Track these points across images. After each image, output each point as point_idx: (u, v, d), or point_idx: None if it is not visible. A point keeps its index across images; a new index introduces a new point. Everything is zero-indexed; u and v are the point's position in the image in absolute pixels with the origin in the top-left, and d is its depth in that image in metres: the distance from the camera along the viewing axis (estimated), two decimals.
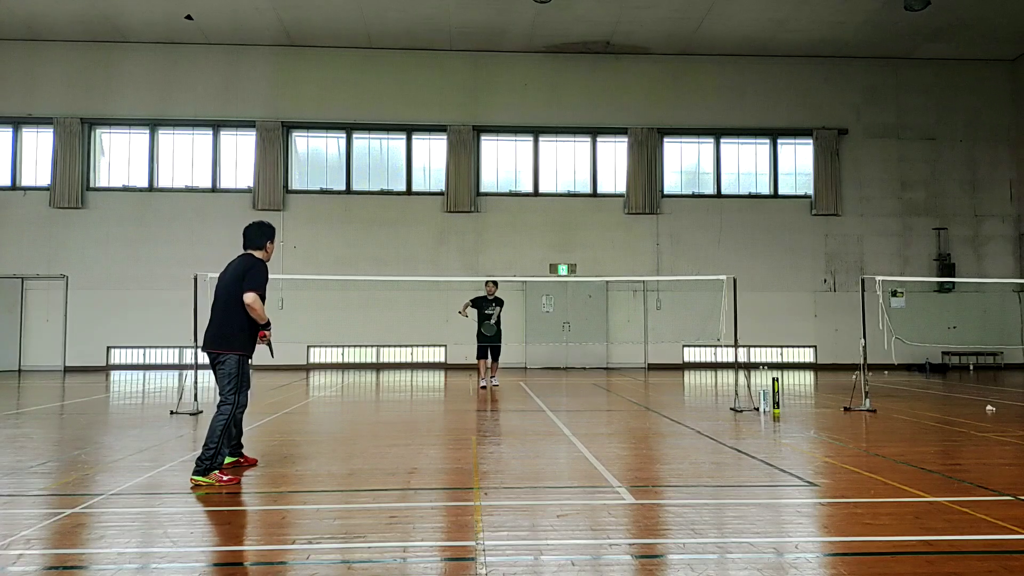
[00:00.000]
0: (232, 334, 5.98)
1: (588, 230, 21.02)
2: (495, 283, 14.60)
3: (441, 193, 20.95)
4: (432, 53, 20.98)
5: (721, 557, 4.00)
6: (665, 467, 6.54)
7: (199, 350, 6.21)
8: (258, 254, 6.24)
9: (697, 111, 21.36)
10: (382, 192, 21.05)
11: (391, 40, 20.47)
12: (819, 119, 21.49)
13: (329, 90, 20.89)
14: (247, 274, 5.99)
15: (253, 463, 6.41)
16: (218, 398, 6.02)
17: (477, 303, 14.45)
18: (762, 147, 21.81)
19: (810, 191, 21.52)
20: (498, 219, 20.94)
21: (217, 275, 6.39)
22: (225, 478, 5.76)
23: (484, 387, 14.12)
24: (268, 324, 6.11)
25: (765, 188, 21.71)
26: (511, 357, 20.18)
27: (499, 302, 14.48)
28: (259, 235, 6.28)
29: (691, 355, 21.12)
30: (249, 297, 5.89)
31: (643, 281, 20.38)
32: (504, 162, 21.52)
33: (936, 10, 18.40)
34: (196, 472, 5.72)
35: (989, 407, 10.58)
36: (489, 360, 14.33)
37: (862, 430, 8.68)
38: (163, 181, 20.88)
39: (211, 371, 6.12)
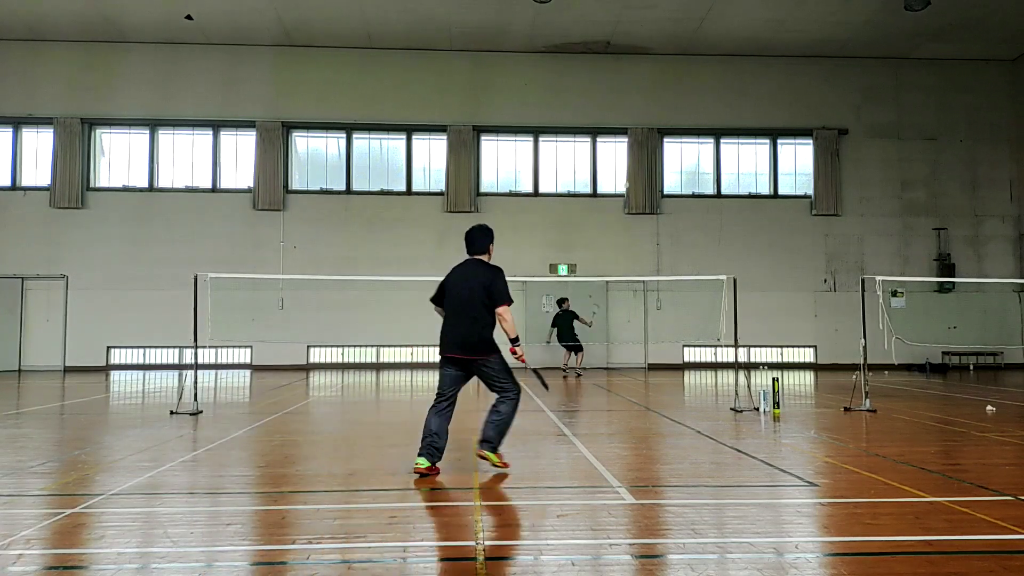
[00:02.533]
0: (489, 338, 6.25)
1: (588, 230, 21.01)
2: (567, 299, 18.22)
3: (441, 193, 20.95)
4: (432, 53, 20.97)
5: (721, 557, 3.99)
6: (665, 467, 6.54)
7: (448, 355, 6.40)
8: (484, 258, 6.45)
9: (697, 111, 21.35)
10: (382, 192, 21.05)
11: (391, 40, 20.46)
12: (819, 119, 21.48)
13: (329, 90, 20.88)
14: (494, 284, 6.20)
15: (436, 472, 6.06)
16: (503, 391, 6.30)
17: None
18: (762, 147, 21.81)
19: (810, 191, 21.52)
20: (498, 219, 20.85)
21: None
22: (504, 459, 6.23)
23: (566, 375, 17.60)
24: (517, 339, 6.28)
25: (765, 188, 21.70)
26: (510, 357, 20.13)
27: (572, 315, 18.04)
28: (483, 238, 6.46)
29: (691, 355, 21.12)
30: (507, 312, 6.21)
31: (643, 281, 20.37)
32: (504, 162, 21.52)
33: (936, 10, 18.39)
34: (488, 448, 6.13)
35: (989, 407, 10.58)
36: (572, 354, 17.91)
37: (862, 430, 8.68)
38: (163, 181, 20.88)
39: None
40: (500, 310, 6.18)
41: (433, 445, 6.00)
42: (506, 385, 6.26)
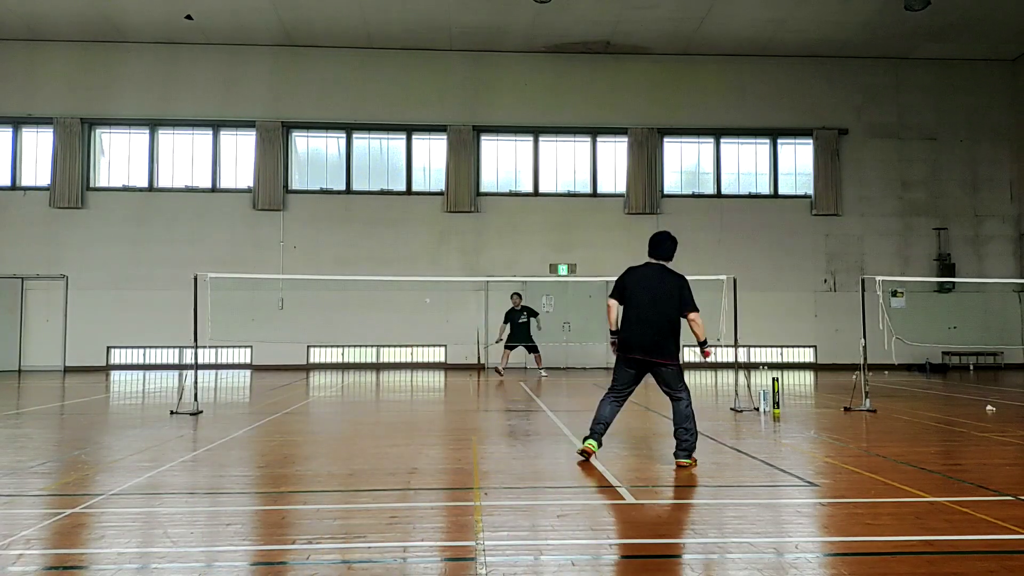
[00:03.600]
0: (674, 345, 6.58)
1: (588, 230, 21.00)
2: (519, 295, 17.21)
3: (441, 193, 20.94)
4: (432, 53, 20.97)
5: (721, 557, 4.00)
6: (665, 467, 6.53)
7: (632, 356, 6.54)
8: (669, 265, 6.73)
9: (697, 111, 21.35)
10: (382, 192, 21.05)
11: (391, 40, 20.46)
12: (819, 119, 21.48)
13: (329, 90, 20.88)
14: (684, 291, 6.55)
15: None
16: (676, 395, 6.56)
17: (509, 317, 17.05)
18: (762, 147, 21.81)
19: (810, 191, 21.52)
20: (498, 219, 20.93)
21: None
22: (694, 456, 6.45)
23: (501, 373, 17.15)
24: (707, 341, 6.69)
25: (765, 188, 21.70)
26: (512, 357, 20.13)
27: (529, 312, 17.17)
28: (671, 245, 6.75)
29: (691, 355, 21.09)
30: (699, 317, 6.57)
31: None
32: (504, 162, 21.51)
33: (936, 10, 18.39)
34: (682, 455, 6.35)
35: (989, 407, 10.58)
36: (510, 353, 17.25)
37: (862, 430, 8.68)
38: (163, 181, 20.88)
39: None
40: (694, 316, 6.52)
41: (601, 432, 6.57)
42: (681, 386, 6.55)
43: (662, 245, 6.73)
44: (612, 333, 6.84)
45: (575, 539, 4.33)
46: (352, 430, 9.17)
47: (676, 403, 6.53)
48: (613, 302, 6.80)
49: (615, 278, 6.87)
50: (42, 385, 15.64)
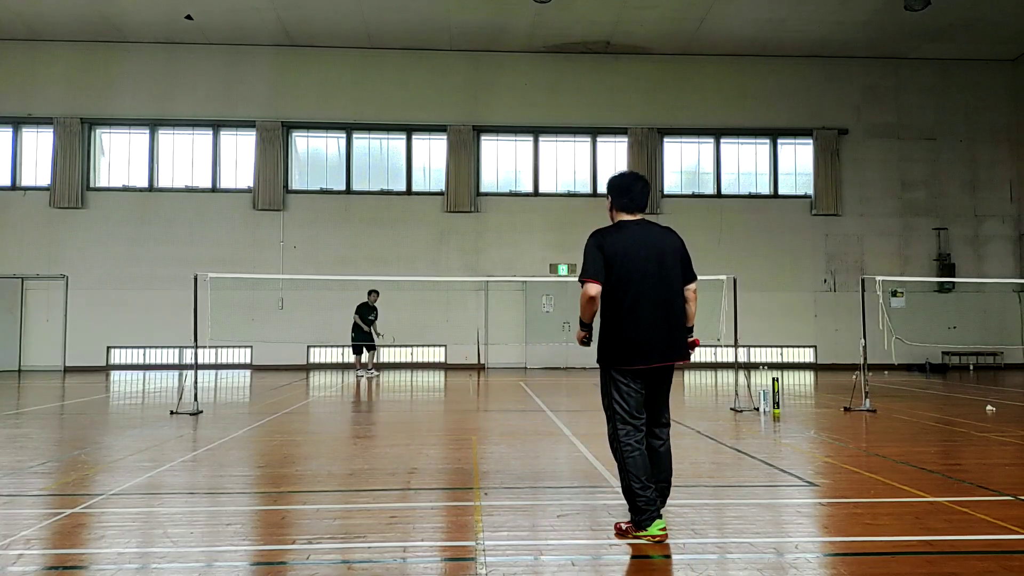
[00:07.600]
0: (687, 332, 4.51)
1: (588, 230, 20.67)
2: (377, 292, 17.67)
3: (441, 193, 20.94)
4: (432, 53, 20.97)
5: (721, 557, 4.00)
6: None
7: (647, 366, 4.37)
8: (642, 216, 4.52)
9: (697, 111, 21.35)
10: (382, 192, 21.04)
11: (391, 40, 20.46)
12: (819, 119, 21.47)
13: (329, 90, 20.87)
14: (686, 256, 4.48)
15: None
16: (666, 418, 4.58)
17: (369, 313, 17.53)
18: (762, 147, 21.81)
19: (810, 191, 21.52)
20: (498, 219, 20.93)
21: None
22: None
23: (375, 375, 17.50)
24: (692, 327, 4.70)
25: (765, 188, 21.70)
26: (511, 357, 20.19)
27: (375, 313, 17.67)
28: (647, 191, 4.54)
29: (691, 355, 21.07)
30: (696, 288, 4.53)
31: None
32: (504, 162, 21.51)
33: (936, 10, 18.39)
34: (660, 517, 4.20)
35: (989, 407, 10.58)
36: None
37: (862, 430, 8.68)
38: (163, 181, 20.87)
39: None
40: (695, 288, 4.50)
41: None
42: (668, 410, 4.58)
43: (632, 190, 4.46)
44: (586, 327, 4.50)
45: (575, 539, 4.33)
46: (352, 430, 9.17)
47: (664, 432, 4.48)
48: (595, 287, 4.35)
49: None
50: (42, 385, 15.64)
